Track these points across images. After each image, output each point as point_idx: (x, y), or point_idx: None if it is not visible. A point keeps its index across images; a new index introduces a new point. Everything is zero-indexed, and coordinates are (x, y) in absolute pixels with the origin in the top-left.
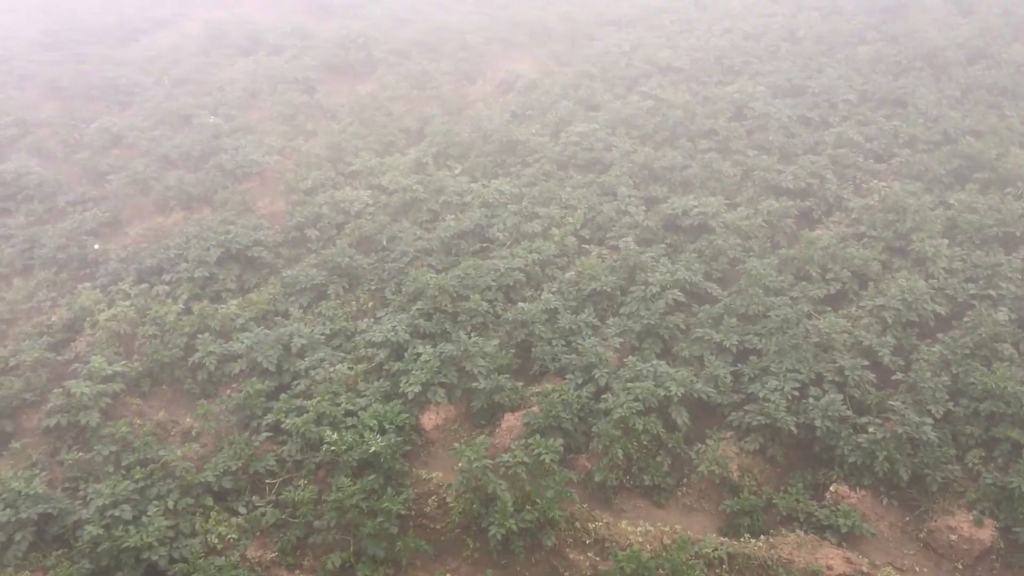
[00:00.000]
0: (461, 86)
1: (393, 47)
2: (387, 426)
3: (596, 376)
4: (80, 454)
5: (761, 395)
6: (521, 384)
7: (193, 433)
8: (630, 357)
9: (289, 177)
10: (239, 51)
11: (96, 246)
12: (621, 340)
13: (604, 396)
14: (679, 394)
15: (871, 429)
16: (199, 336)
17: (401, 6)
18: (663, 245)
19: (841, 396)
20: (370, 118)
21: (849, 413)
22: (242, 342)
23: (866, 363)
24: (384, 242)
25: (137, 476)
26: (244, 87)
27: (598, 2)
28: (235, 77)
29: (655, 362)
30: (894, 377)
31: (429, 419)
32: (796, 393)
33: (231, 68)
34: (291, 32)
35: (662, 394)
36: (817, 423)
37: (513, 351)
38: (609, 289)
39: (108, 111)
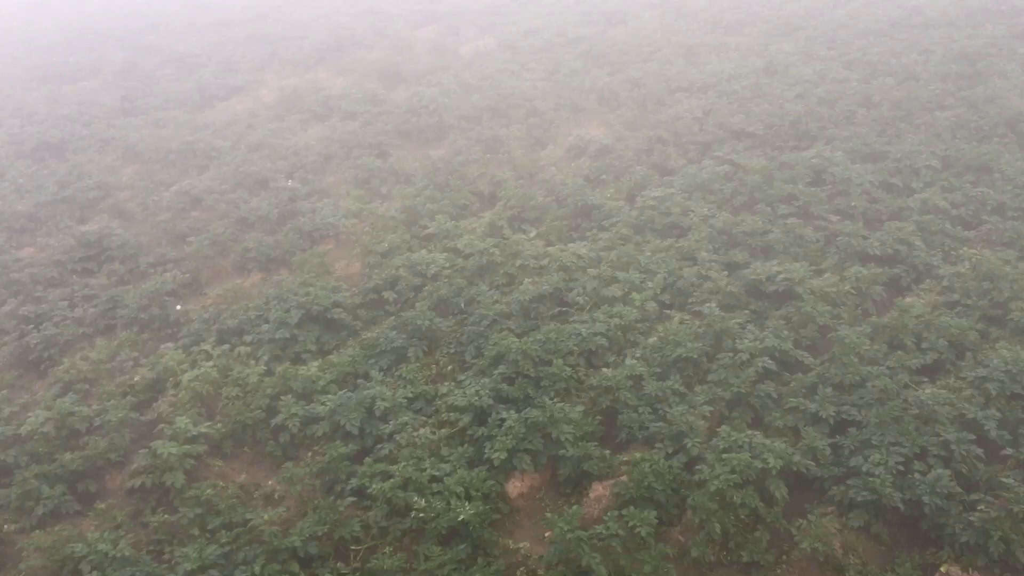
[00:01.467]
0: (532, 151)
1: (464, 113)
2: (473, 493)
3: (688, 446)
4: (165, 516)
5: (864, 469)
6: (608, 452)
7: (276, 496)
8: (723, 427)
9: (365, 240)
10: (313, 117)
11: (178, 307)
12: (710, 409)
13: (698, 467)
14: (778, 466)
15: (983, 507)
16: (282, 398)
17: (470, 74)
18: (747, 311)
19: (948, 471)
20: (443, 182)
21: (958, 489)
22: (325, 404)
23: (972, 437)
24: (462, 305)
25: (223, 540)
26: (319, 152)
27: (667, 69)
28: (309, 142)
29: (750, 432)
30: (1003, 452)
31: (514, 487)
32: (901, 467)
33: (305, 133)
34: (363, 99)
35: (759, 466)
36: (925, 499)
37: (599, 418)
38: (695, 356)
39: (186, 174)
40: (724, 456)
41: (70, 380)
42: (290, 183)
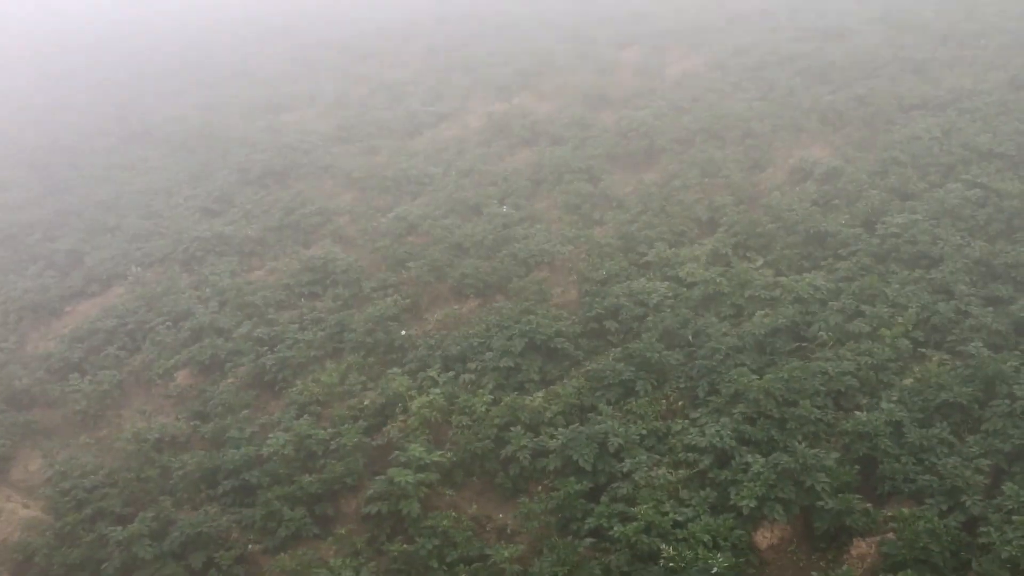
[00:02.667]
0: (751, 174)
1: (675, 136)
2: (721, 542)
3: (966, 503)
4: (404, 546)
5: None
6: (870, 506)
7: (508, 531)
8: (1008, 484)
9: (581, 267)
10: (520, 141)
11: (403, 332)
12: (988, 462)
13: (982, 529)
14: None
15: None
16: (510, 428)
17: (679, 96)
18: (1017, 352)
19: None
20: (658, 207)
21: None
22: (556, 438)
23: None
24: (689, 337)
25: (462, 574)
26: (528, 177)
27: (897, 86)
28: (518, 167)
29: None
30: None
31: (763, 537)
32: None
33: (513, 158)
34: (569, 123)
35: None
36: None
37: (856, 467)
38: (964, 401)
39: (401, 200)
40: (1013, 518)
41: (304, 402)
42: (504, 209)
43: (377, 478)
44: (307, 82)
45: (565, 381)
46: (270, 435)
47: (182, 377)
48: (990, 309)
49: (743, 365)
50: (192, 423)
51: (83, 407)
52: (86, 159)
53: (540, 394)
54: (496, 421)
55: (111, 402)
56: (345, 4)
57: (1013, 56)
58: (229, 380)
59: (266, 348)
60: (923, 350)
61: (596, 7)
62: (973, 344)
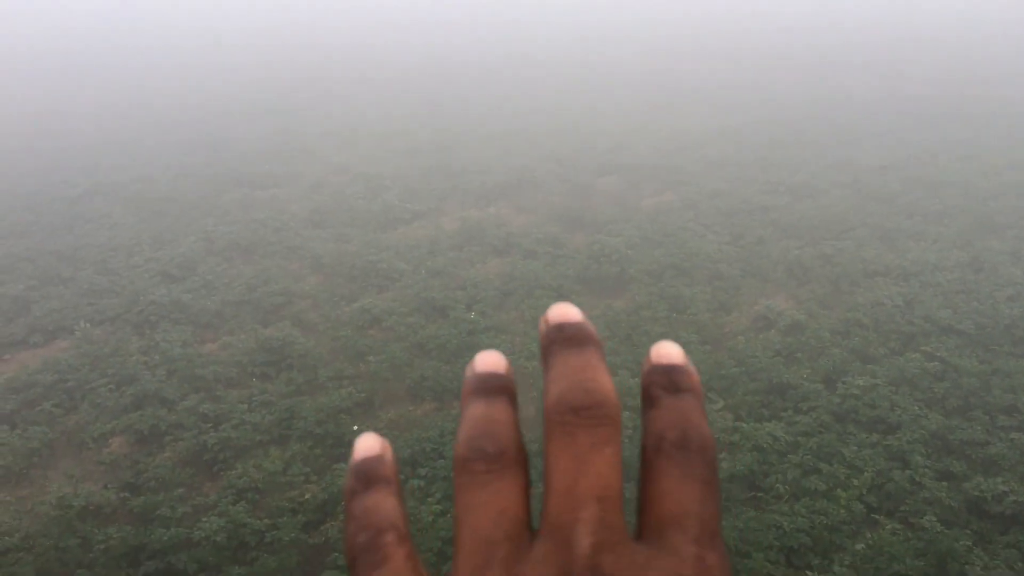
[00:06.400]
0: (717, 315)
1: (645, 267)
2: None
3: None
4: None
5: None
6: None
7: None
8: None
9: (542, 385)
10: (492, 251)
11: (355, 427)
12: None
13: None
14: None
15: None
16: None
17: (652, 229)
18: (968, 531)
19: None
20: (625, 335)
21: None
22: None
23: None
24: None
25: None
26: (497, 287)
27: (863, 251)
28: (488, 276)
29: None
30: None
31: None
32: None
33: (484, 266)
34: (543, 239)
35: None
36: None
37: None
38: None
39: (366, 292)
40: None
41: (242, 487)
42: (472, 315)
43: None
44: (285, 163)
45: None
46: (203, 518)
47: (117, 444)
48: (944, 483)
49: None
50: (121, 495)
51: (8, 462)
52: (47, 207)
53: None
54: (441, 533)
55: (38, 461)
56: (336, 92)
57: (974, 238)
58: (167, 454)
59: (210, 425)
60: (876, 516)
61: (578, 134)
62: (927, 517)
